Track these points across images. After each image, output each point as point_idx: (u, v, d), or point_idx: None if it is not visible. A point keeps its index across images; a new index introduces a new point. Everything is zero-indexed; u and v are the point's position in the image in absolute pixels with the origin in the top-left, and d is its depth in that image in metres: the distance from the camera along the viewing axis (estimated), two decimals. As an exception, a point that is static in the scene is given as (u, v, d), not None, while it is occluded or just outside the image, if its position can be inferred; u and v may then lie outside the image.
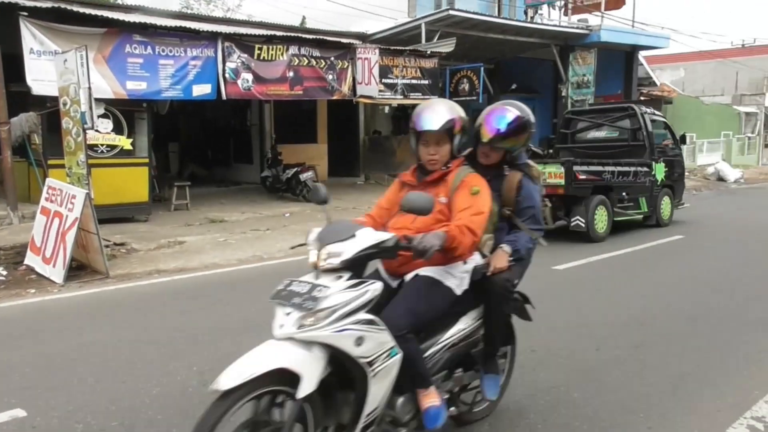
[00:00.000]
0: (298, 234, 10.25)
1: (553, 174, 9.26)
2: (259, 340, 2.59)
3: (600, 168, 9.70)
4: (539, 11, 23.68)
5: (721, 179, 22.64)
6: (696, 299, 6.08)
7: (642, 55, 23.92)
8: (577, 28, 19.92)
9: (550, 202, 9.09)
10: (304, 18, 28.28)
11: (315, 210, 12.73)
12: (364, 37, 16.22)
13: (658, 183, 10.92)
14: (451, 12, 15.99)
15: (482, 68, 15.41)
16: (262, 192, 14.63)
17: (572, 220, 9.39)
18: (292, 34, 12.84)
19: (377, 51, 13.27)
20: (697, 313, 5.54)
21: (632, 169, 10.33)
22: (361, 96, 13.38)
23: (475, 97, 15.33)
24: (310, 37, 12.93)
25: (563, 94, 20.28)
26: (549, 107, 24.17)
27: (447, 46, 14.90)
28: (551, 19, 22.77)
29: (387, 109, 16.10)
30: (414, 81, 14.31)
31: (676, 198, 11.56)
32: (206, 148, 18.49)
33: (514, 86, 24.32)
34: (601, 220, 9.57)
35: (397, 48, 14.18)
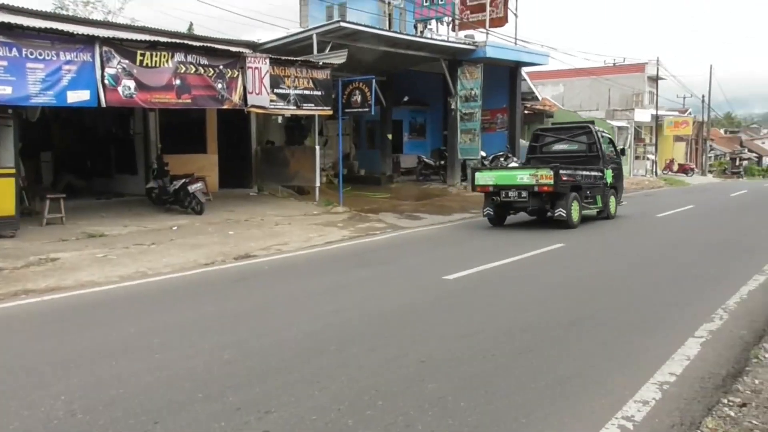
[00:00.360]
0: (187, 248, 9.84)
1: (544, 176, 11.75)
2: (142, 364, 2.40)
3: (574, 172, 12.39)
4: (428, 26, 24.34)
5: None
6: (576, 304, 6.38)
7: (524, 71, 25.14)
8: (464, 43, 20.64)
9: (540, 198, 12.12)
10: (191, 24, 27.47)
11: (205, 223, 12.28)
12: (254, 46, 15.95)
13: (608, 185, 13.84)
14: (342, 24, 16.09)
15: (374, 80, 15.57)
16: (147, 204, 13.94)
17: (556, 211, 12.03)
18: (178, 41, 12.38)
19: (268, 61, 13.07)
20: (577, 318, 5.81)
21: (592, 173, 13.15)
22: (253, 106, 13.10)
23: (367, 109, 15.46)
24: (198, 44, 12.51)
25: (452, 107, 20.93)
26: (439, 119, 24.88)
27: (339, 58, 14.94)
28: (440, 34, 23.46)
29: (280, 119, 15.89)
30: (306, 92, 14.21)
31: (619, 196, 14.76)
32: (85, 158, 17.39)
33: (405, 98, 24.83)
34: (576, 211, 12.37)
35: (289, 58, 14.03)
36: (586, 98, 43.50)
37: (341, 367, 4.52)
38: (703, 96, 50.94)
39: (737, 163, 61.49)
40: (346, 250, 10.28)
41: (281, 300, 6.80)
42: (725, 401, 3.89)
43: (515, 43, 22.81)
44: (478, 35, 22.07)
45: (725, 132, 79.95)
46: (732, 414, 3.73)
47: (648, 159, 39.69)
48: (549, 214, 12.23)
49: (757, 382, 4.20)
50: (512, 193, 12.25)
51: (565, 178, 11.91)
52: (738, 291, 6.75)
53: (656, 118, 42.24)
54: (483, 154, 21.42)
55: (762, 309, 6.06)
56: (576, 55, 62.73)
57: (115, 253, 9.29)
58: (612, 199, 14.11)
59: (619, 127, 36.26)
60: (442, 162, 23.10)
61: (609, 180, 13.89)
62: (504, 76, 22.91)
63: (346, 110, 15.83)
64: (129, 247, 9.81)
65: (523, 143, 25.29)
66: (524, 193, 12.11)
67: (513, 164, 20.39)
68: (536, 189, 11.90)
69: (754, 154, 69.43)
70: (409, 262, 9.21)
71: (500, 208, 12.84)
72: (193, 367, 4.49)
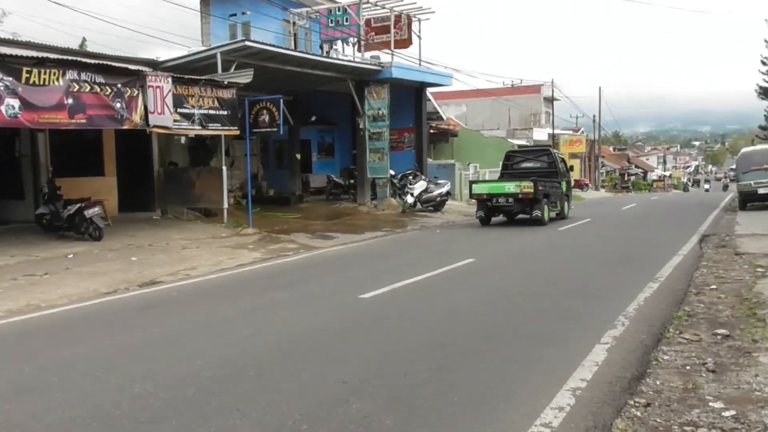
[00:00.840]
0: (85, 277, 9.32)
1: (526, 186, 15.92)
2: (40, 405, 2.25)
3: (545, 183, 16.57)
4: (334, 46, 24.54)
5: (501, 205, 25.03)
6: (489, 318, 6.59)
7: (429, 91, 25.85)
8: (370, 64, 20.98)
9: (523, 203, 16.27)
10: (84, 40, 26.27)
11: (105, 249, 11.70)
12: (155, 65, 15.46)
13: (564, 193, 18.27)
14: (247, 43, 15.93)
15: (281, 100, 15.49)
16: (38, 232, 13.08)
17: (534, 213, 16.11)
18: (70, 58, 11.81)
19: (170, 79, 12.70)
20: (491, 331, 6.00)
21: (554, 185, 17.50)
22: (155, 126, 12.67)
23: (276, 129, 15.34)
24: (92, 61, 11.98)
25: (361, 126, 21.15)
26: (348, 139, 25.05)
27: (244, 77, 14.77)
28: (346, 54, 23.71)
29: (183, 139, 15.44)
30: (212, 111, 13.93)
31: (570, 203, 19.36)
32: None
33: (313, 118, 24.86)
34: (546, 212, 16.61)
35: (192, 77, 13.72)
36: (488, 118, 45.28)
37: (262, 392, 4.43)
38: (594, 116, 54.32)
39: (626, 178, 65.77)
40: (259, 273, 10.11)
41: (193, 327, 6.58)
42: (632, 402, 4.14)
43: (420, 65, 23.41)
44: (384, 56, 22.50)
45: (614, 149, 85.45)
46: (638, 414, 3.97)
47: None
48: (529, 215, 16.31)
49: (658, 382, 4.50)
50: (501, 200, 16.43)
51: (540, 188, 16.03)
52: (636, 299, 7.19)
53: (553, 136, 44.60)
54: (392, 172, 21.75)
55: (657, 314, 6.49)
56: (478, 76, 65.33)
57: (2, 286, 8.67)
58: (566, 204, 18.72)
59: (519, 146, 37.92)
60: (352, 181, 23.24)
61: (564, 190, 18.33)
62: (410, 96, 23.43)
63: (254, 130, 15.64)
64: (18, 278, 9.19)
65: (431, 161, 25.96)
66: (510, 200, 16.28)
67: (421, 182, 20.86)
68: (520, 196, 16.04)
69: (640, 170, 74.73)
70: (325, 282, 9.17)
71: (489, 211, 16.88)
72: (99, 404, 4.25)
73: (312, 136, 26.19)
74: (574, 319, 6.36)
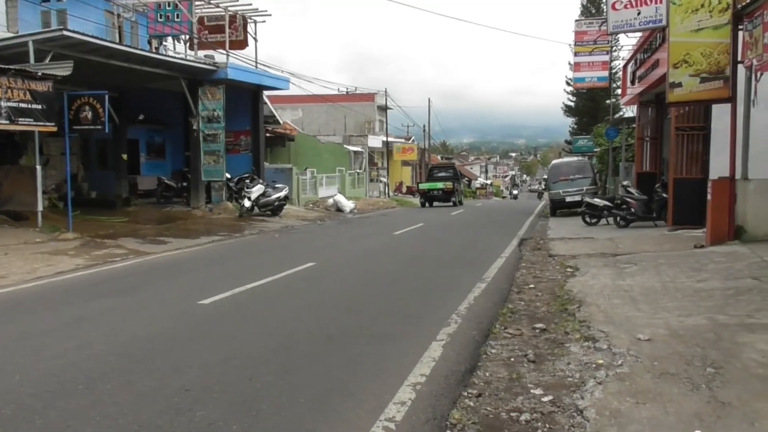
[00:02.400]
0: None
1: (449, 185, 30.23)
2: None
3: (457, 184, 31.62)
4: (164, 43, 23.46)
5: (339, 210, 25.51)
6: (332, 320, 6.72)
7: (266, 94, 25.62)
8: (204, 63, 20.33)
9: (447, 194, 30.52)
10: None
11: None
12: (-48, 49, 13.76)
13: (460, 190, 32.95)
14: (66, 32, 14.68)
15: (107, 96, 14.49)
16: None
17: (452, 199, 30.35)
18: None
19: (-27, 66, 11.38)
20: (334, 333, 6.13)
21: (458, 185, 31.89)
22: (-46, 118, 11.27)
23: (100, 127, 14.32)
24: None
25: (194, 127, 20.41)
26: (181, 140, 24.03)
27: (63, 69, 13.64)
28: (177, 52, 22.77)
29: (-12, 134, 13.87)
30: (23, 105, 12.70)
31: (461, 196, 32.26)
32: None
33: (141, 117, 23.52)
34: (458, 199, 31.21)
35: (-1, 66, 12.39)
36: (324, 123, 45.75)
37: (94, 406, 4.16)
38: (424, 125, 57.15)
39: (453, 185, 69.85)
40: (83, 280, 9.38)
41: (6, 341, 5.96)
42: (465, 394, 4.48)
43: (256, 67, 23.13)
44: (219, 56, 21.94)
45: (442, 158, 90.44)
46: (471, 404, 4.31)
47: (381, 181, 43.05)
48: (450, 201, 29.95)
49: (487, 374, 4.91)
50: (435, 192, 30.00)
51: (454, 186, 30.03)
52: (466, 298, 7.73)
53: (386, 144, 46.12)
54: (228, 176, 21.23)
55: (486, 312, 7.04)
56: (314, 82, 65.61)
57: None
58: (461, 197, 32.89)
59: (355, 152, 38.81)
60: (185, 184, 22.31)
61: (460, 188, 32.36)
62: (246, 98, 23.05)
63: (75, 127, 14.47)
64: None
65: (268, 165, 25.70)
66: (440, 193, 29.83)
67: (259, 186, 20.59)
68: (445, 190, 29.85)
69: (465, 178, 79.73)
70: (159, 288, 8.76)
71: (428, 199, 30.32)
72: None
73: (140, 135, 24.74)
74: (412, 319, 6.70)
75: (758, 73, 9.78)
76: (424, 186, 31.43)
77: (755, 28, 9.60)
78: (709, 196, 10.84)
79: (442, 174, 31.19)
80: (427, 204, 30.61)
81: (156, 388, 4.51)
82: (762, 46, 9.26)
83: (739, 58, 10.38)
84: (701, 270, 8.55)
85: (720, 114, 12.14)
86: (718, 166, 11.67)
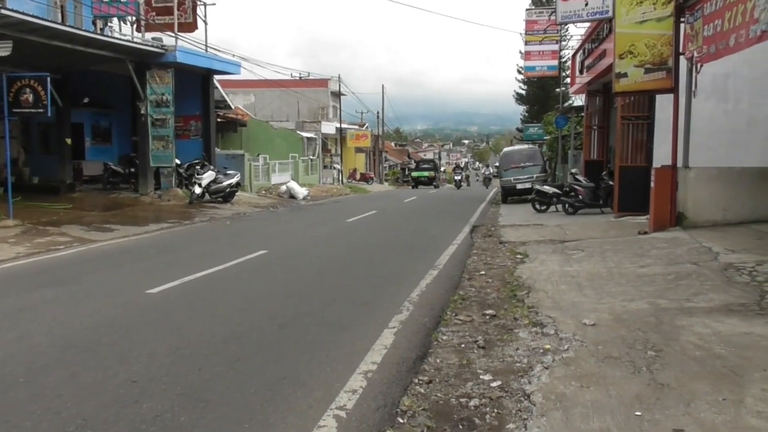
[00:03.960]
0: None
1: (432, 173, 48.12)
2: None
3: (437, 173, 50.61)
4: (109, 24, 22.67)
5: (292, 197, 25.30)
6: (283, 308, 6.67)
7: (217, 79, 25.11)
8: (152, 46, 19.77)
9: (430, 180, 47.09)
10: None
11: None
12: None
13: (439, 178, 49.65)
14: (4, 11, 14.01)
15: (49, 78, 13.94)
16: None
17: (434, 184, 46.39)
18: None
19: None
20: (285, 321, 6.09)
21: (436, 174, 50.20)
22: None
23: (42, 110, 13.78)
24: None
25: (142, 111, 19.87)
26: (128, 124, 23.39)
27: (1, 50, 13.04)
28: (124, 34, 22.03)
29: None
30: (-42, 85, 12.11)
31: (439, 183, 48.42)
32: None
33: (86, 100, 22.78)
34: (438, 183, 47.91)
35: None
36: (277, 109, 45.18)
37: (35, 399, 4.04)
38: (378, 112, 57.06)
39: (406, 172, 70.24)
40: (24, 269, 9.06)
41: (-58, 334, 5.72)
42: (416, 381, 4.52)
43: (206, 51, 22.63)
44: (168, 39, 21.34)
45: (396, 145, 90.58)
46: (422, 391, 4.35)
47: (335, 168, 42.86)
48: (432, 185, 44.12)
49: (438, 361, 4.96)
50: (423, 179, 45.46)
51: (435, 174, 47.63)
52: (418, 285, 7.78)
53: (340, 130, 45.92)
54: (178, 161, 20.79)
55: (437, 299, 7.11)
56: (266, 66, 64.73)
57: None
58: (439, 182, 48.11)
59: (308, 138, 38.48)
60: (133, 170, 21.74)
61: (439, 176, 49.05)
62: (196, 83, 22.56)
63: (15, 110, 13.89)
64: None
65: (219, 151, 25.27)
66: (426, 179, 45.28)
67: (210, 172, 20.21)
68: (429, 177, 46.18)
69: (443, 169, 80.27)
70: (106, 277, 8.52)
71: (416, 183, 45.05)
72: None
73: (85, 119, 23.95)
74: (365, 306, 6.71)
75: (698, 65, 10.09)
76: (414, 174, 46.59)
77: (696, 21, 9.89)
78: (652, 184, 11.17)
79: (427, 166, 46.20)
80: (416, 186, 44.38)
81: (101, 380, 4.40)
82: (702, 39, 9.56)
83: (681, 50, 10.68)
84: (644, 256, 8.82)
85: (663, 104, 12.50)
86: (662, 155, 12.04)
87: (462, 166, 46.26)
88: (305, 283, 8.19)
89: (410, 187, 43.92)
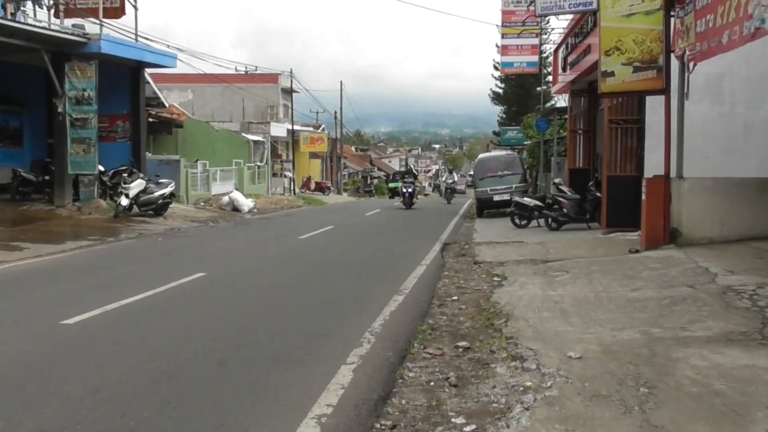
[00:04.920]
0: None
1: (404, 186, 28.46)
2: None
3: (416, 183, 32.90)
4: (22, 8, 22.21)
5: (236, 209, 25.09)
6: (223, 341, 6.57)
7: (149, 72, 24.83)
8: (72, 34, 19.41)
9: (409, 194, 28.54)
10: None
11: None
12: None
13: (418, 190, 33.64)
14: None
15: (-52, 70, 13.58)
16: None
17: (414, 201, 28.39)
18: None
19: None
20: (226, 356, 5.99)
21: (416, 184, 33.00)
22: None
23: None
24: None
25: (60, 110, 19.46)
26: (42, 124, 22.90)
27: None
28: (39, 20, 21.63)
29: None
30: None
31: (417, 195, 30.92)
32: None
33: (-8, 96, 22.20)
34: (407, 200, 28.67)
35: None
36: (219, 107, 44.90)
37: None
38: (335, 112, 57.16)
39: (368, 181, 70.39)
40: None
41: None
42: (378, 426, 4.48)
43: (137, 40, 22.38)
44: (91, 26, 21.01)
45: (356, 149, 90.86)
46: (385, 437, 4.31)
47: (286, 176, 42.72)
48: (413, 201, 28.97)
49: (403, 402, 4.93)
50: (402, 191, 28.20)
51: (414, 187, 29.80)
52: (381, 313, 7.76)
53: (292, 133, 45.82)
54: (101, 168, 20.43)
55: (403, 329, 7.09)
56: (206, 59, 64.27)
57: None
58: (419, 197, 32.75)
59: (255, 141, 38.27)
60: (47, 177, 21.26)
61: (419, 189, 33.77)
62: (125, 77, 22.24)
63: None
64: None
65: (150, 156, 24.94)
66: (405, 191, 28.01)
67: (139, 181, 19.90)
68: (408, 191, 28.10)
69: (383, 173, 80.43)
70: (12, 305, 8.27)
71: (395, 194, 32.56)
72: None
73: (-9, 118, 23.36)
74: (319, 338, 6.65)
75: (691, 64, 10.37)
76: (392, 185, 39.87)
77: (687, 15, 10.16)
78: (643, 196, 11.40)
79: (406, 177, 35.52)
80: (393, 197, 39.14)
81: (4, 429, 4.24)
82: (694, 35, 9.82)
83: (671, 47, 10.95)
84: (635, 277, 8.96)
85: (654, 106, 12.79)
86: (653, 163, 12.30)
87: (406, 170, 33.42)
88: (249, 310, 8.08)
89: (387, 197, 41.86)
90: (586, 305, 7.62)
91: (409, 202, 28.01)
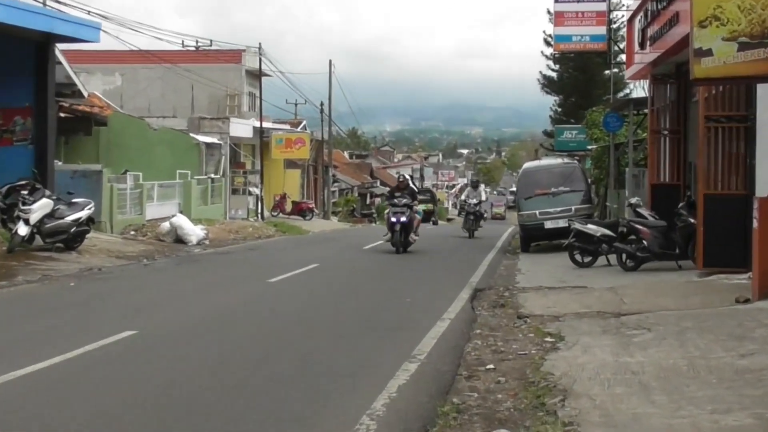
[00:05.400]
0: None
1: (426, 207, 54.61)
2: None
3: (434, 206, 71.47)
4: None
5: (180, 240, 25.01)
6: (158, 430, 6.53)
7: (60, 48, 24.97)
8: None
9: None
10: None
11: None
12: None
13: (437, 212, 71.87)
14: None
15: None
16: None
17: (432, 220, 57.54)
18: None
19: None
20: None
21: (432, 206, 68.53)
22: None
23: None
24: None
25: (-67, 101, 19.62)
26: None
27: None
28: None
29: None
30: None
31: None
32: None
33: None
34: (435, 219, 61.64)
35: None
36: (158, 97, 45.20)
37: None
38: (322, 103, 57.23)
39: (368, 200, 70.47)
40: None
41: None
42: None
43: (44, 4, 22.57)
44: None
45: (351, 156, 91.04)
46: None
47: (251, 194, 42.39)
48: (430, 221, 52.38)
49: None
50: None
51: (434, 207, 64.95)
52: (386, 387, 7.71)
53: (261, 132, 45.32)
54: (-10, 182, 20.54)
55: (417, 410, 7.05)
56: (141, 30, 64.31)
57: None
58: (438, 217, 64.27)
59: (209, 145, 38.22)
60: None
61: (421, 210, 32.03)
62: (26, 55, 22.38)
63: None
64: None
65: (61, 166, 25.00)
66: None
67: (45, 200, 19.91)
68: (425, 211, 45.16)
69: (388, 188, 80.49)
70: None
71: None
72: None
73: None
74: (296, 425, 6.61)
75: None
76: (384, 211, 51.90)
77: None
78: (755, 223, 11.36)
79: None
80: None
81: None
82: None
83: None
84: (745, 338, 8.91)
85: (769, 98, 12.79)
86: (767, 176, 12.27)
87: (398, 184, 24.18)
88: (196, 385, 8.05)
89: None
90: (676, 377, 7.57)
91: (401, 241, 23.62)
